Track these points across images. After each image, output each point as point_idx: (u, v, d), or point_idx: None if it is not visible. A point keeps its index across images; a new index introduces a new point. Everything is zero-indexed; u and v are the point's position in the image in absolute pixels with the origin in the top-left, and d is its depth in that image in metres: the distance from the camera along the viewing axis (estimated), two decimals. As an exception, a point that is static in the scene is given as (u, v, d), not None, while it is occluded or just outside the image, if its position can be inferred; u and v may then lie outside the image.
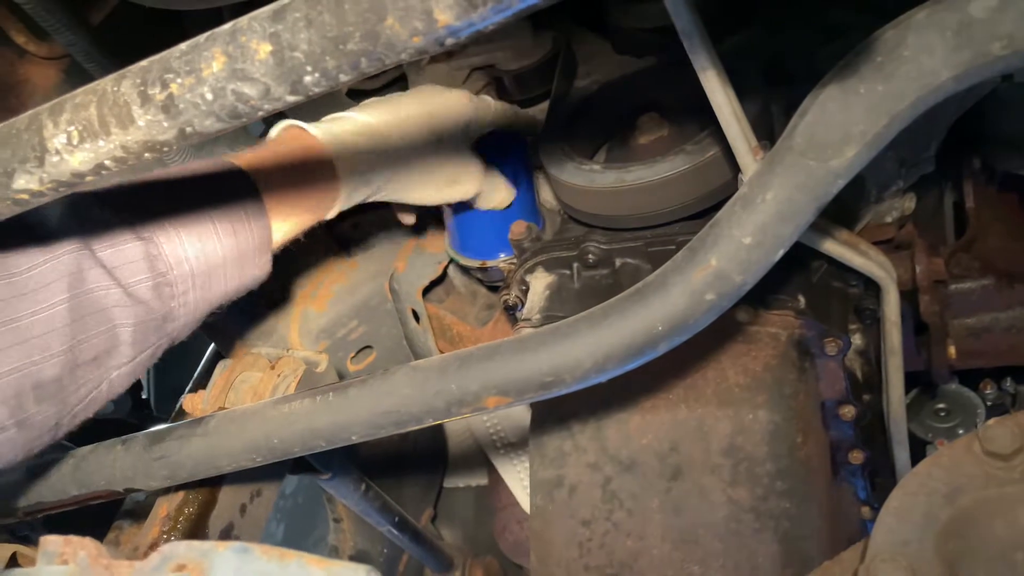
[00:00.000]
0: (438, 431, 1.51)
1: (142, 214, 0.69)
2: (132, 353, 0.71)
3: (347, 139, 0.85)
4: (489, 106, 1.01)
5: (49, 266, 0.64)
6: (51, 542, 0.48)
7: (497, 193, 1.02)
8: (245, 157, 0.79)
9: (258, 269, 0.79)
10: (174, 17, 1.06)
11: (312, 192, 0.82)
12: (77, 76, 0.93)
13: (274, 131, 0.86)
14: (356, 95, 1.35)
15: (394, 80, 1.33)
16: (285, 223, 0.81)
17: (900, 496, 0.51)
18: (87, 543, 0.47)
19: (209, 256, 0.72)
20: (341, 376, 1.10)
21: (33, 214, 0.63)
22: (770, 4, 1.02)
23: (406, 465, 1.46)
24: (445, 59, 1.18)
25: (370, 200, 0.89)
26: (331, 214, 0.86)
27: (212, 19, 1.07)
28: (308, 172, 0.82)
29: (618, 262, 0.93)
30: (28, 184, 0.49)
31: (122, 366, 0.71)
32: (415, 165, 0.91)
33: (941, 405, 1.19)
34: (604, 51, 1.11)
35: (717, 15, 0.97)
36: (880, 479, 1.02)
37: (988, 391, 1.19)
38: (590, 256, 0.93)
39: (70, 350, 0.65)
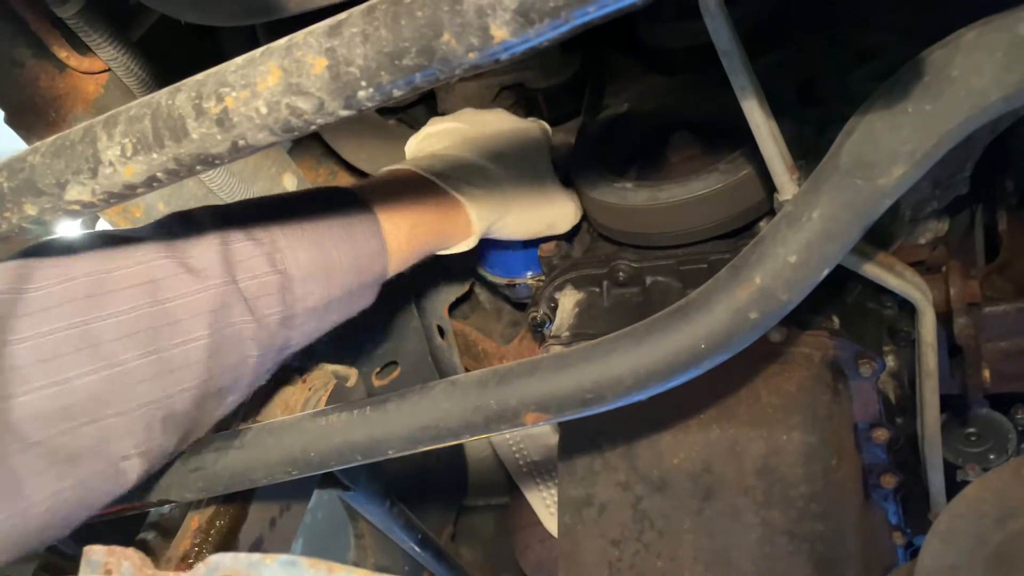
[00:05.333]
0: (458, 447, 1.51)
1: (278, 245, 0.71)
2: (252, 379, 0.72)
3: (468, 183, 0.88)
4: (549, 132, 1.03)
5: (198, 297, 0.65)
6: (95, 551, 0.48)
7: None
8: (382, 215, 0.81)
9: (365, 302, 0.81)
10: (210, 32, 1.08)
11: (431, 233, 0.85)
12: (116, 90, 0.94)
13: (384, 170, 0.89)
14: (382, 110, 1.36)
15: (422, 97, 1.34)
16: (401, 257, 0.82)
17: (948, 519, 0.51)
18: (131, 553, 0.47)
19: (331, 291, 0.74)
20: (367, 392, 1.10)
21: (188, 239, 0.66)
22: (802, 25, 1.02)
23: (427, 482, 1.46)
24: (474, 77, 1.19)
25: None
26: (464, 248, 0.90)
27: (247, 34, 1.09)
28: (431, 215, 0.84)
29: (649, 280, 0.92)
30: (80, 195, 0.50)
31: (241, 391, 0.72)
32: (526, 208, 0.94)
33: (972, 429, 1.17)
34: (634, 69, 1.12)
35: (749, 34, 0.97)
36: (911, 504, 1.01)
37: (1019, 415, 1.17)
38: (620, 274, 0.93)
39: (204, 383, 0.66)
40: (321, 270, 0.72)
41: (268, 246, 0.70)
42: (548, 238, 1.01)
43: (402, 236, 0.81)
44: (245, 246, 0.69)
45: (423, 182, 0.86)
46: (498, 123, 1.00)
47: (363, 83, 0.43)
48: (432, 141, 0.98)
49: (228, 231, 0.69)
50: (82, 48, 0.90)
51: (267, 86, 0.44)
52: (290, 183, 1.17)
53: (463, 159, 0.91)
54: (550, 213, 0.98)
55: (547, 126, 1.04)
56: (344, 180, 1.38)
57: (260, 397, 0.85)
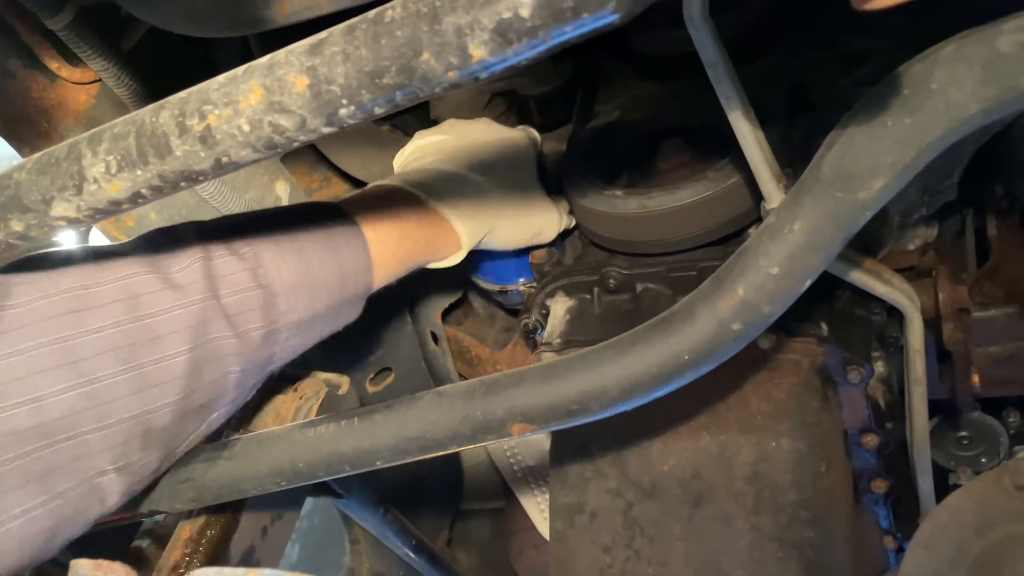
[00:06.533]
0: (453, 453, 1.51)
1: (261, 260, 0.71)
2: (234, 395, 0.72)
3: (453, 196, 0.88)
4: (538, 141, 1.04)
5: (178, 313, 0.65)
6: (82, 565, 0.48)
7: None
8: (367, 229, 0.81)
9: (350, 317, 0.81)
10: (202, 43, 1.08)
11: (416, 248, 0.85)
12: (107, 101, 0.95)
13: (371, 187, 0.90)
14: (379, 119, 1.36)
15: (413, 106, 1.34)
16: (387, 271, 0.83)
17: (930, 528, 0.51)
18: (117, 567, 0.48)
19: (315, 306, 0.74)
20: (360, 398, 1.11)
21: (171, 255, 0.67)
22: (793, 31, 1.02)
23: (422, 487, 1.46)
24: (467, 84, 1.19)
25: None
26: (452, 262, 0.91)
27: (239, 45, 1.09)
28: (417, 230, 0.85)
29: (639, 287, 0.93)
30: (66, 212, 0.50)
31: (223, 407, 0.72)
32: (511, 219, 0.96)
33: (964, 433, 1.17)
34: (625, 76, 1.12)
35: (739, 41, 0.98)
36: (902, 508, 1.01)
37: (1011, 419, 1.18)
38: (611, 281, 0.93)
39: (183, 399, 0.66)
40: (305, 285, 0.73)
41: (251, 261, 0.70)
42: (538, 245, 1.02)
43: (388, 250, 0.81)
44: (228, 261, 0.69)
45: (410, 197, 0.86)
46: (484, 133, 1.00)
47: (344, 101, 0.43)
48: (419, 155, 0.98)
49: (211, 246, 0.69)
50: (73, 59, 0.90)
51: (249, 104, 0.44)
52: (283, 190, 1.17)
53: (450, 172, 0.91)
54: (537, 222, 0.98)
55: (535, 133, 1.04)
56: (338, 186, 1.38)
57: (251, 405, 0.85)
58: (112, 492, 0.64)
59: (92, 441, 0.60)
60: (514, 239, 0.98)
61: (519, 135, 1.01)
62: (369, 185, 0.90)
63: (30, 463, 0.57)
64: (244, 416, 0.87)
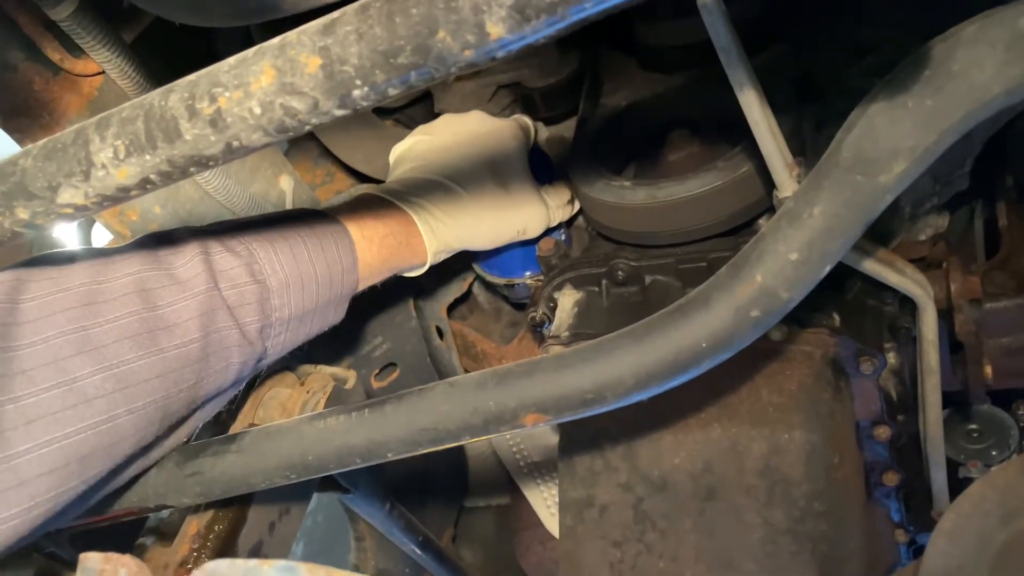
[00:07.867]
0: (459, 449, 1.50)
1: (256, 256, 0.73)
2: (231, 388, 0.75)
3: (426, 204, 0.91)
4: (530, 130, 1.04)
5: (187, 303, 0.67)
6: (91, 559, 0.47)
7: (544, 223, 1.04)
8: (353, 230, 0.84)
9: (336, 318, 0.84)
10: (204, 34, 1.07)
11: (397, 252, 0.87)
12: (110, 93, 0.93)
13: (352, 192, 0.91)
14: (379, 111, 1.35)
15: (419, 96, 1.33)
16: (371, 272, 0.85)
17: (953, 518, 0.50)
18: (127, 560, 0.47)
19: (306, 304, 0.76)
20: (366, 393, 1.10)
21: (171, 252, 0.69)
22: (799, 21, 1.01)
23: (427, 484, 1.45)
24: (472, 76, 1.19)
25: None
26: (420, 271, 0.93)
27: (241, 35, 1.08)
28: (396, 236, 0.87)
29: (648, 279, 0.92)
30: (73, 199, 0.49)
31: (222, 399, 0.75)
32: (488, 220, 0.97)
33: (974, 426, 1.17)
34: (631, 68, 1.11)
35: (745, 32, 0.97)
36: (914, 502, 1.00)
37: (1021, 412, 1.17)
38: (619, 273, 0.93)
39: (195, 386, 0.68)
40: (297, 282, 0.75)
41: (247, 257, 0.72)
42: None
43: (373, 250, 0.83)
44: (225, 257, 0.71)
45: (389, 204, 0.88)
46: (477, 127, 1.00)
47: (358, 82, 0.42)
48: (405, 157, 1.00)
49: (208, 244, 0.71)
50: (76, 50, 0.89)
51: (260, 86, 0.43)
52: (287, 185, 1.16)
53: (427, 181, 0.93)
54: (519, 220, 0.99)
55: (528, 123, 1.05)
56: (342, 181, 1.37)
57: (254, 399, 0.84)
58: (130, 475, 0.64)
59: (125, 425, 0.61)
60: (493, 239, 0.99)
61: (510, 128, 1.01)
62: (350, 193, 0.94)
63: (71, 445, 0.58)
64: (240, 406, 0.87)
